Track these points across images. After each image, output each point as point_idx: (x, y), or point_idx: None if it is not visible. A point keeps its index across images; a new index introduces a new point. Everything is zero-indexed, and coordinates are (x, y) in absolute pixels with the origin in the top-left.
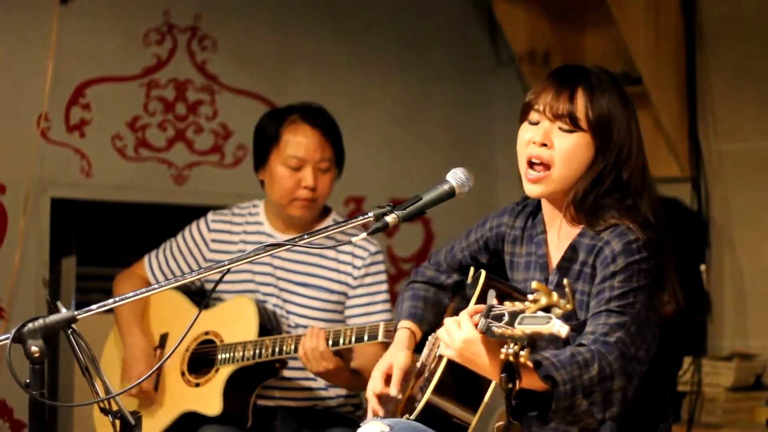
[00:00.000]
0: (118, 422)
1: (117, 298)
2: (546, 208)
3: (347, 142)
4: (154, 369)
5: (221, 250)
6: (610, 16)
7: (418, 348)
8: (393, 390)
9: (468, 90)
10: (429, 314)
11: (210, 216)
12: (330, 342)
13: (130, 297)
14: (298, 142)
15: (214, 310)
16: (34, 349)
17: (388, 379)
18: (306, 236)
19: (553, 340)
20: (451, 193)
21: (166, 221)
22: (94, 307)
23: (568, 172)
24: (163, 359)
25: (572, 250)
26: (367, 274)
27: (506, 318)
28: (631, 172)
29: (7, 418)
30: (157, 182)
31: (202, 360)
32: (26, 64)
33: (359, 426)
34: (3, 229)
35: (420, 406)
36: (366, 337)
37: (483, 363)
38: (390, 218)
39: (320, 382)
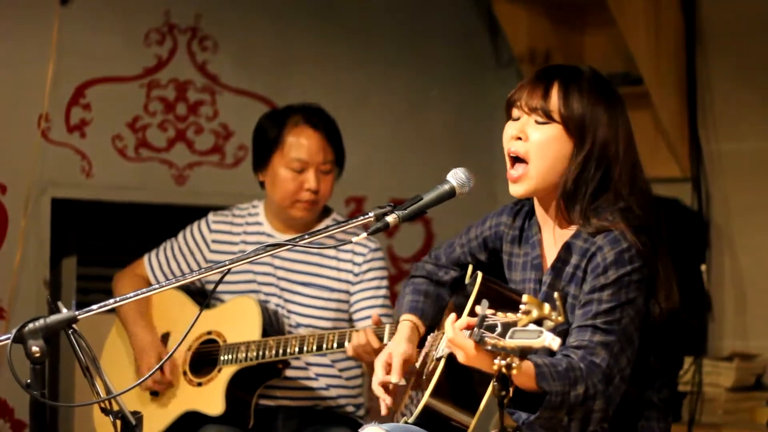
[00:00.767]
0: (119, 422)
1: (118, 298)
2: (538, 209)
3: (348, 142)
4: (153, 370)
5: (222, 250)
6: (611, 16)
7: (420, 343)
8: (394, 377)
9: (468, 90)
10: (430, 308)
11: (211, 216)
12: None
13: (130, 297)
14: (301, 144)
15: (216, 310)
16: (34, 349)
17: (389, 369)
18: (307, 236)
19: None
20: (451, 193)
21: (166, 221)
22: (94, 307)
23: (544, 165)
24: (164, 359)
25: (566, 251)
26: (369, 270)
27: (499, 329)
28: (620, 171)
29: (8, 418)
30: (158, 182)
31: (204, 359)
32: (27, 65)
33: (360, 426)
34: (3, 230)
35: (418, 409)
36: None
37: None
38: (390, 218)
39: (322, 382)
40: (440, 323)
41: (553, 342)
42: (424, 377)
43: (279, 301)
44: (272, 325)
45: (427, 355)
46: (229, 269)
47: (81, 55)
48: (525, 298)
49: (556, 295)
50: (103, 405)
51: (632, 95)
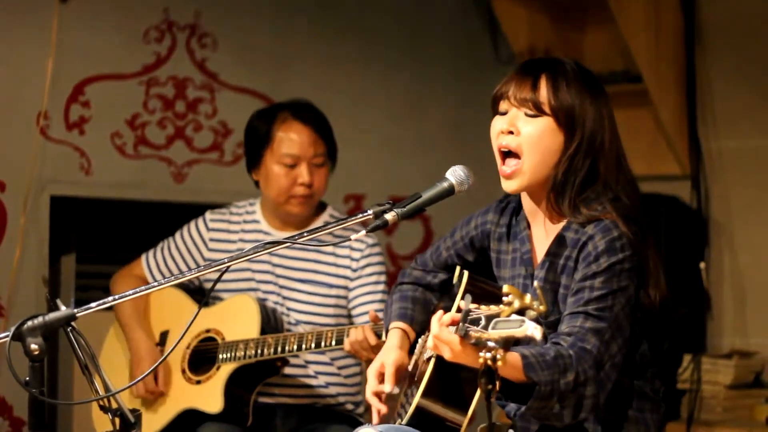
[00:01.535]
0: (117, 420)
1: (116, 296)
2: (526, 203)
3: (347, 140)
4: (152, 368)
5: (220, 248)
6: (610, 14)
7: (411, 349)
8: (387, 386)
9: (468, 88)
10: (419, 314)
11: (208, 215)
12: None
13: (129, 295)
14: (291, 139)
15: (215, 308)
16: (33, 347)
17: (382, 379)
18: (305, 234)
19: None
20: (450, 191)
21: (165, 219)
22: (93, 304)
23: (537, 159)
24: (162, 357)
25: (557, 244)
26: (367, 265)
27: (483, 322)
28: (607, 161)
29: (7, 415)
30: (157, 180)
31: (203, 357)
32: (26, 62)
33: (359, 423)
34: (3, 227)
35: (411, 409)
36: None
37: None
38: (389, 216)
39: (320, 380)
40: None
41: (536, 331)
42: (416, 379)
43: (278, 299)
44: (270, 322)
45: (419, 357)
46: (228, 267)
47: (80, 53)
48: (506, 288)
49: (536, 284)
50: (102, 403)
51: (632, 93)
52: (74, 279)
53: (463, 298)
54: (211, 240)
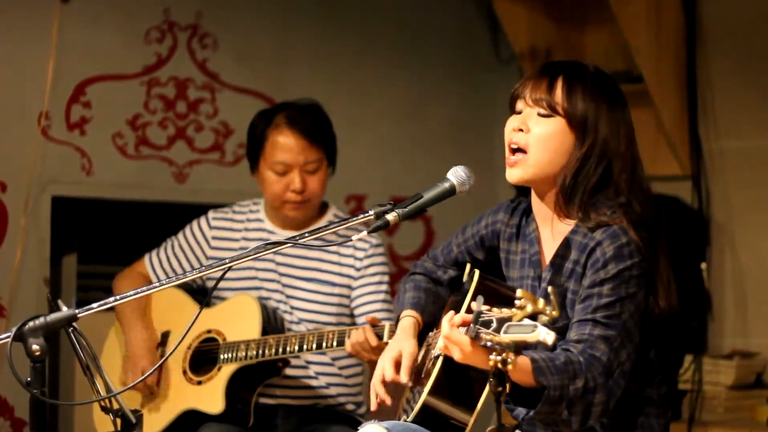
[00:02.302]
0: (119, 420)
1: (118, 297)
2: (535, 204)
3: (348, 140)
4: (155, 368)
5: (223, 247)
6: (611, 13)
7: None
8: (404, 377)
9: (469, 88)
10: (430, 305)
11: (211, 214)
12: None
13: (131, 295)
14: (281, 147)
15: (216, 308)
16: (35, 347)
17: (398, 368)
18: (308, 234)
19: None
20: (451, 191)
21: (166, 219)
22: (94, 305)
23: (543, 156)
24: (164, 357)
25: (565, 247)
26: (370, 265)
27: (494, 325)
28: (620, 168)
29: (8, 416)
30: (158, 180)
31: (204, 358)
32: (27, 62)
33: (360, 424)
34: (4, 228)
35: (417, 407)
36: None
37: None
38: (391, 216)
39: (322, 381)
40: (439, 322)
41: (548, 336)
42: (422, 375)
43: (281, 297)
44: (272, 323)
45: (426, 353)
46: (230, 267)
47: (81, 53)
48: (519, 293)
49: (550, 289)
50: (103, 403)
51: (633, 93)
52: (75, 279)
53: (473, 298)
54: (214, 239)
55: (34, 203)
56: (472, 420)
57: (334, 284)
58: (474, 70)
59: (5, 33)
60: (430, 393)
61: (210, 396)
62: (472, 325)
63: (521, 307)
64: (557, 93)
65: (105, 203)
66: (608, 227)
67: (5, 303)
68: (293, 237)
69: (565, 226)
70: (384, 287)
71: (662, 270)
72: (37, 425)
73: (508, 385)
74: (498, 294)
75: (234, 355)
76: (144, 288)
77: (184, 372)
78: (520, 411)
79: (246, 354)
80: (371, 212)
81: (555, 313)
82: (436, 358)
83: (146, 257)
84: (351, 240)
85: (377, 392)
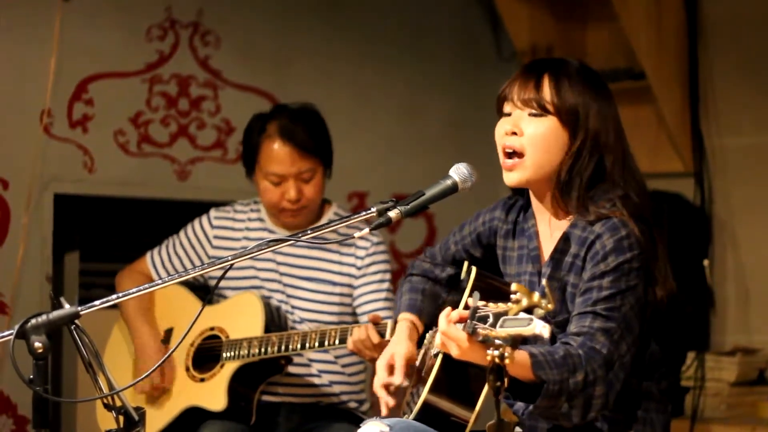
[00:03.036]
0: (121, 418)
1: (120, 294)
2: (534, 201)
3: (350, 138)
4: (156, 366)
5: (224, 246)
6: (613, 11)
7: (419, 342)
8: (397, 378)
9: (470, 85)
10: (428, 306)
11: (212, 213)
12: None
13: (133, 293)
14: (274, 158)
15: (219, 306)
16: (37, 345)
17: (392, 371)
18: (309, 232)
19: (538, 339)
20: (453, 189)
21: (168, 217)
22: (97, 302)
23: (541, 157)
24: (166, 355)
25: (564, 241)
26: (371, 263)
27: (491, 320)
28: (613, 160)
29: (11, 413)
30: (160, 178)
31: (207, 355)
32: (29, 60)
33: (363, 421)
34: (6, 225)
35: (418, 405)
36: None
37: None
38: (393, 213)
39: (324, 379)
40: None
41: (544, 329)
42: (423, 374)
43: (282, 297)
44: (274, 321)
45: (426, 352)
46: (231, 265)
47: (83, 51)
48: (514, 287)
49: (544, 282)
50: (105, 401)
51: (634, 90)
52: (78, 277)
53: (470, 294)
54: (216, 238)
55: (37, 201)
56: (473, 417)
57: (335, 283)
58: (475, 67)
59: (7, 31)
60: (431, 391)
61: (212, 393)
62: (468, 320)
63: (517, 301)
64: (545, 91)
65: (107, 201)
66: (608, 220)
67: (7, 300)
68: (294, 234)
69: (564, 222)
70: (386, 285)
71: (660, 259)
72: (40, 422)
73: (506, 380)
74: (496, 290)
75: (237, 352)
76: (146, 285)
77: (187, 369)
78: (520, 406)
79: (249, 351)
80: (373, 209)
81: (550, 306)
82: (436, 356)
83: (148, 255)
84: (353, 238)
85: (381, 396)
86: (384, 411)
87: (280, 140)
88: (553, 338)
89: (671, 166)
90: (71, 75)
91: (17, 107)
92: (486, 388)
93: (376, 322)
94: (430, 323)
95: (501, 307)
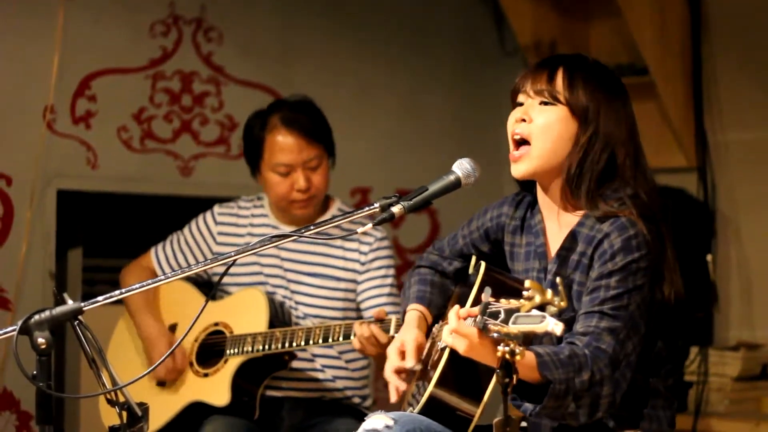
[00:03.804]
0: (125, 413)
1: (123, 290)
2: (541, 196)
3: (353, 133)
4: (160, 360)
5: (228, 242)
6: (616, 6)
7: (426, 334)
8: (409, 362)
9: (473, 80)
10: (437, 298)
11: (216, 209)
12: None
13: (136, 288)
14: (281, 149)
15: (223, 302)
16: (40, 340)
17: (403, 356)
18: (313, 227)
19: (549, 336)
20: (457, 184)
21: (172, 213)
22: (100, 298)
23: (547, 146)
24: (170, 349)
25: (571, 238)
26: (375, 258)
27: (502, 316)
28: (624, 157)
29: (15, 409)
30: (163, 174)
31: (210, 351)
32: (32, 56)
33: (366, 417)
34: (9, 221)
35: (424, 398)
36: None
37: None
38: (396, 209)
39: (328, 374)
40: (446, 314)
41: (556, 327)
42: (429, 367)
43: (286, 293)
44: (279, 316)
45: (432, 345)
46: (235, 260)
47: (86, 47)
48: (528, 283)
49: (558, 279)
50: (109, 396)
51: (638, 86)
52: (81, 273)
53: (480, 290)
54: (220, 234)
55: (40, 197)
56: (478, 412)
57: (339, 279)
58: (478, 62)
59: (10, 27)
60: (437, 385)
61: (216, 388)
62: (479, 316)
63: (529, 298)
64: (558, 83)
65: (110, 197)
66: (616, 219)
67: (11, 296)
68: (298, 230)
69: (572, 218)
70: (389, 280)
71: (669, 261)
72: (43, 418)
73: (515, 376)
74: (504, 285)
75: (240, 348)
76: (150, 281)
77: (191, 364)
78: (528, 406)
79: (252, 347)
80: (377, 205)
81: (563, 304)
82: (442, 350)
83: (152, 251)
84: (356, 233)
85: (391, 381)
86: (394, 396)
87: (285, 130)
88: (559, 339)
89: (674, 161)
90: (74, 71)
91: (20, 103)
92: (492, 383)
93: (381, 318)
94: (438, 315)
95: (513, 303)
